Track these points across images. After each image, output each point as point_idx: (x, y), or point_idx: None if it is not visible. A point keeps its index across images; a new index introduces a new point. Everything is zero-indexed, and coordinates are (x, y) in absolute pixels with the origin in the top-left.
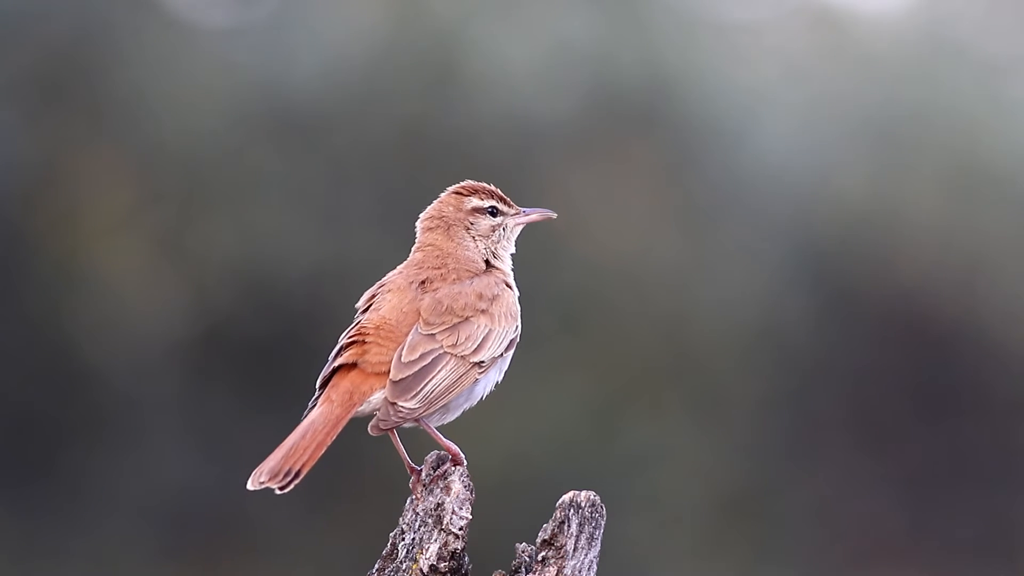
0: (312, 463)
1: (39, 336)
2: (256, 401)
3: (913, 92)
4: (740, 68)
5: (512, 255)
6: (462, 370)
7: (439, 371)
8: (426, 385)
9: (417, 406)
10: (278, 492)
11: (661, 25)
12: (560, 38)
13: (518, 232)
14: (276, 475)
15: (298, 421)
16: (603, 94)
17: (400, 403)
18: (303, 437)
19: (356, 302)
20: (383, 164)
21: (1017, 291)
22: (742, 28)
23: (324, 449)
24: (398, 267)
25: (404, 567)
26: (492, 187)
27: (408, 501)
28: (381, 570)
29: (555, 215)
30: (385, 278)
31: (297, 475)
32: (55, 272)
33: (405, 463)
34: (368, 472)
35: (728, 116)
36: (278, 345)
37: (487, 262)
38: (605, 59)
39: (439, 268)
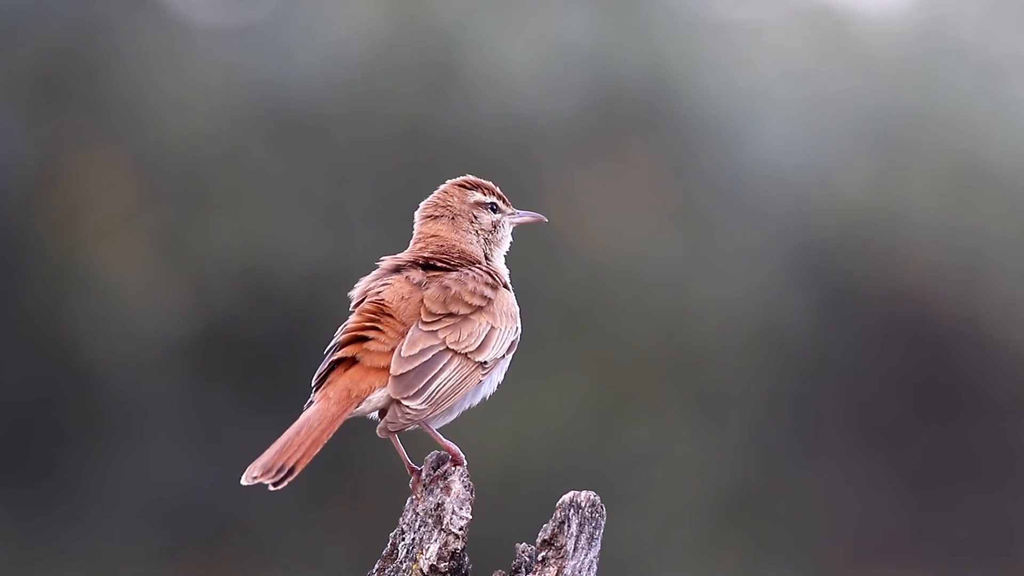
0: (307, 460)
1: (39, 336)
2: (256, 401)
3: (913, 92)
4: (740, 68)
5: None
6: (466, 371)
7: (442, 369)
8: (430, 383)
9: (424, 407)
10: (272, 488)
11: (661, 25)
12: (560, 38)
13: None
14: (269, 470)
15: (296, 419)
16: (603, 94)
17: (407, 403)
18: (298, 433)
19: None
20: (383, 164)
21: (1017, 291)
22: (742, 28)
23: (319, 447)
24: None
25: (404, 567)
26: (492, 184)
27: (408, 501)
28: (381, 570)
29: (546, 219)
30: (384, 263)
31: (291, 472)
32: (55, 272)
33: (405, 463)
34: (368, 472)
35: (728, 116)
36: (278, 345)
37: (486, 258)
38: (605, 59)
39: (444, 253)
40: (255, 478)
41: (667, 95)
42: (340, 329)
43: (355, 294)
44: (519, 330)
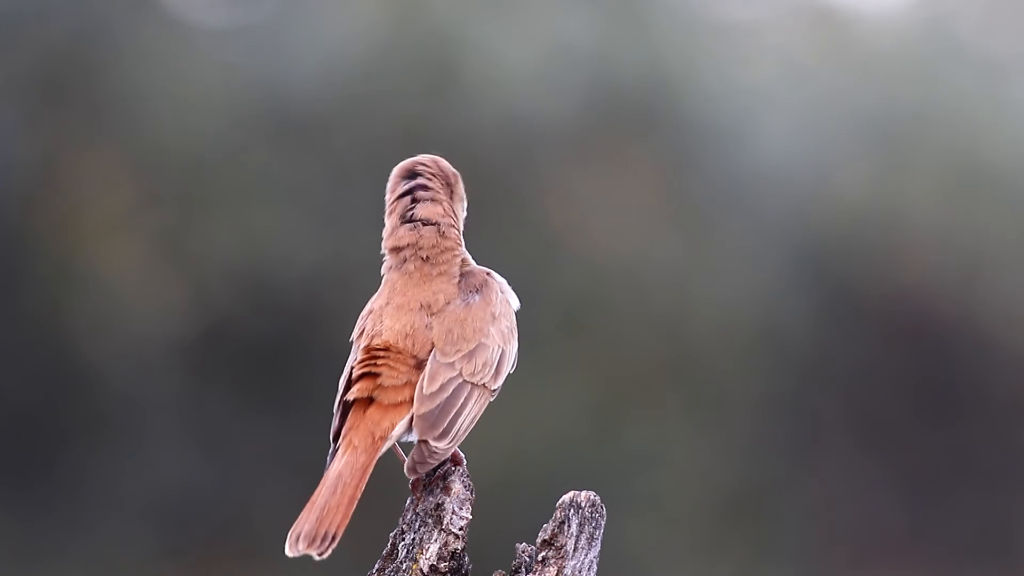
0: (347, 520)
1: (39, 336)
2: (256, 401)
3: (913, 92)
4: (740, 68)
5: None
6: (483, 400)
7: (464, 404)
8: (455, 422)
9: (450, 445)
10: (317, 559)
11: (661, 25)
12: (559, 38)
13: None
14: (314, 540)
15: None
16: (602, 94)
17: (433, 443)
18: (334, 494)
19: (355, 302)
20: (383, 164)
21: (1017, 291)
22: (742, 27)
23: (356, 502)
24: (379, 290)
25: (404, 567)
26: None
27: (408, 501)
28: (381, 570)
29: None
30: (371, 304)
31: (335, 538)
32: (55, 272)
33: (405, 463)
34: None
35: (728, 116)
36: (278, 345)
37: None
38: (604, 59)
39: (424, 277)
40: (301, 550)
41: (667, 95)
42: (346, 370)
43: (353, 336)
44: (517, 347)
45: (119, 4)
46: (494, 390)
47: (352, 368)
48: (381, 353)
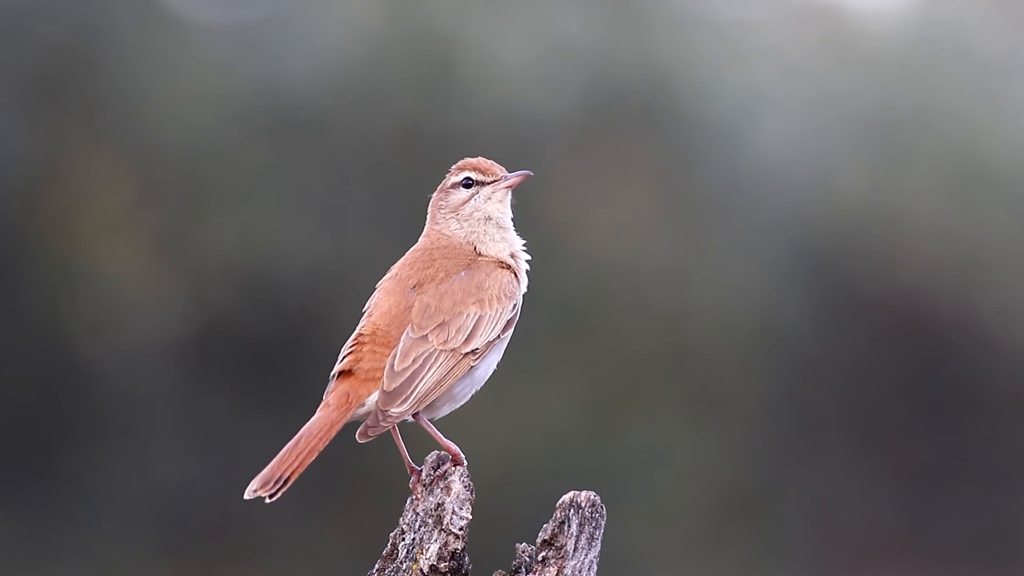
0: (302, 469)
1: (38, 335)
2: (254, 400)
3: (911, 91)
4: (738, 67)
5: (513, 219)
6: (452, 362)
7: (428, 370)
8: (417, 387)
9: (406, 408)
10: (268, 501)
11: (659, 23)
12: (557, 36)
13: (503, 199)
14: (267, 483)
15: (298, 424)
16: (601, 92)
17: (390, 409)
18: (297, 443)
19: (353, 300)
20: (381, 162)
21: (1016, 290)
22: (740, 26)
23: (316, 454)
24: (398, 263)
25: (404, 567)
26: (477, 159)
27: (408, 501)
28: (381, 570)
29: (531, 173)
30: (382, 279)
31: (286, 482)
32: (55, 272)
33: (406, 463)
34: (368, 472)
35: (726, 115)
36: (276, 344)
37: (475, 247)
38: (603, 57)
39: (428, 267)
40: (255, 491)
41: (665, 94)
42: (345, 345)
43: (366, 307)
44: (517, 307)
45: (118, 2)
46: (467, 353)
47: (343, 349)
48: (367, 339)
